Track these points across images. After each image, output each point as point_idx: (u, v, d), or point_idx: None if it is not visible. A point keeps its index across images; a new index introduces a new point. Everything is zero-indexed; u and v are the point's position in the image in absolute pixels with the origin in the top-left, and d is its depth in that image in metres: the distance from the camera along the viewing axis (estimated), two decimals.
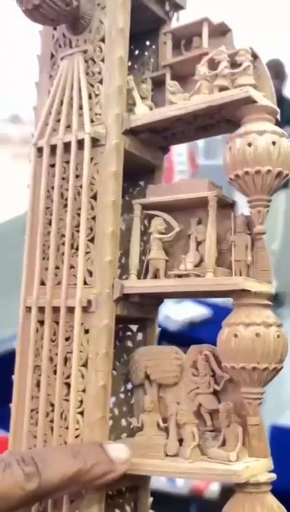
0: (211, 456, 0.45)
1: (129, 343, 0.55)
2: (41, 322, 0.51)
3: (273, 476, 0.43)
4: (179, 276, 0.47)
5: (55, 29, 0.56)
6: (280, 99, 4.21)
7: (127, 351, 0.55)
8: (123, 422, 0.54)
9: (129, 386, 0.54)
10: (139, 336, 0.56)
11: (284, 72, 4.27)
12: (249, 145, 0.44)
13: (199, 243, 0.49)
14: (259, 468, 0.43)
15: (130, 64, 0.56)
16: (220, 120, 0.50)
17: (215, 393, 0.48)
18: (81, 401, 0.48)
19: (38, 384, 0.50)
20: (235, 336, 0.43)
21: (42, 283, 0.52)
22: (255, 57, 0.49)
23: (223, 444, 0.45)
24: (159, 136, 0.53)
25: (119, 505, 0.53)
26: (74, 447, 0.45)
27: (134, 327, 0.56)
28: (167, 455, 0.46)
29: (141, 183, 0.57)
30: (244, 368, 0.42)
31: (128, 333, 0.56)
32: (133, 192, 0.57)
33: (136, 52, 0.59)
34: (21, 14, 0.50)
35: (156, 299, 0.53)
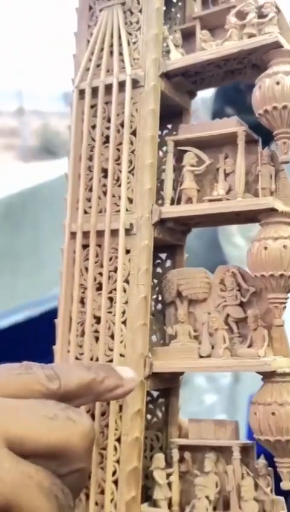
0: (240, 355, 0.51)
1: (159, 270, 0.62)
2: (84, 246, 0.57)
3: None
4: (212, 200, 0.54)
5: None
6: None
7: (157, 276, 0.61)
8: (154, 338, 0.60)
9: (159, 306, 0.60)
10: (168, 263, 0.62)
11: None
12: (277, 83, 0.50)
13: (227, 175, 0.56)
14: (284, 362, 0.50)
15: None
16: (247, 65, 0.56)
17: (241, 305, 0.54)
18: (124, 312, 0.54)
19: (82, 301, 0.57)
20: (265, 248, 0.49)
21: (85, 212, 0.58)
22: (278, 10, 0.55)
23: (250, 346, 0.52)
24: (189, 80, 0.59)
25: (152, 411, 0.60)
26: (86, 363, 0.50)
27: (163, 255, 0.62)
28: (200, 357, 0.53)
29: (169, 126, 0.63)
30: (273, 275, 0.49)
31: (158, 261, 0.62)
32: (162, 135, 0.63)
33: (164, 8, 0.65)
34: None
35: (186, 227, 0.59)
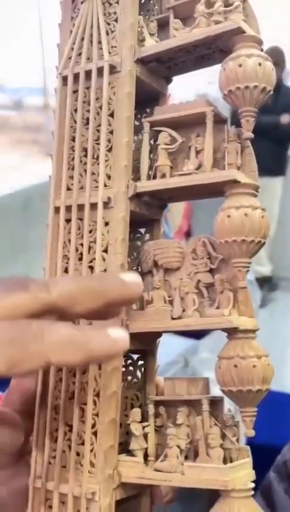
0: (208, 315, 0.56)
1: (138, 243, 0.66)
2: (67, 221, 0.62)
3: (257, 325, 0.55)
4: (182, 175, 0.58)
5: None
6: (279, 87, 4.31)
7: (137, 249, 0.66)
8: (133, 306, 0.64)
9: None
10: (147, 237, 0.67)
11: (283, 59, 4.37)
12: (240, 65, 0.55)
13: (198, 152, 0.60)
14: (247, 321, 0.54)
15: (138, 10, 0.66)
16: (215, 50, 0.61)
17: (210, 271, 0.59)
18: None
19: (65, 270, 0.61)
20: (228, 216, 0.54)
21: (68, 189, 0.62)
22: None
23: (218, 307, 0.56)
24: (164, 66, 0.64)
25: (132, 373, 0.64)
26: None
27: (142, 230, 0.67)
28: (172, 318, 0.58)
29: (148, 110, 0.68)
30: (235, 240, 0.54)
31: (138, 235, 0.67)
32: (141, 117, 0.68)
33: (142, 0, 0.69)
34: None
35: (162, 201, 0.64)
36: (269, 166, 4.59)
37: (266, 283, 4.66)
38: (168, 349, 2.61)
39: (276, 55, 4.37)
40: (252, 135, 0.56)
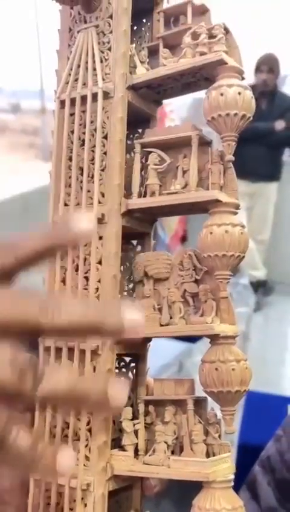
0: (193, 323, 0.61)
1: (131, 254, 0.72)
2: None
3: (238, 331, 0.60)
4: (170, 194, 0.63)
5: (72, 8, 0.71)
6: (274, 93, 4.37)
7: (130, 259, 0.71)
8: None
9: (131, 286, 0.70)
10: (138, 248, 0.72)
11: (278, 66, 4.43)
12: (221, 95, 0.60)
13: (184, 172, 0.66)
14: (228, 328, 0.60)
15: (131, 37, 0.72)
16: (200, 78, 0.66)
17: (196, 282, 0.64)
18: (97, 289, 0.64)
19: (63, 280, 0.67)
20: (211, 233, 0.59)
21: (65, 205, 0.68)
22: (227, 31, 0.65)
23: (202, 315, 0.61)
24: (154, 91, 0.69)
25: (124, 374, 0.69)
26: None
27: (134, 242, 0.72)
28: (161, 325, 0.63)
29: (139, 130, 0.73)
30: (217, 255, 0.59)
31: (130, 246, 0.72)
32: (133, 138, 0.73)
33: (135, 28, 0.75)
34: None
35: (152, 216, 0.69)
36: (264, 172, 4.65)
37: (261, 287, 4.72)
38: (164, 352, 2.65)
39: (271, 62, 4.43)
40: (233, 158, 0.62)
